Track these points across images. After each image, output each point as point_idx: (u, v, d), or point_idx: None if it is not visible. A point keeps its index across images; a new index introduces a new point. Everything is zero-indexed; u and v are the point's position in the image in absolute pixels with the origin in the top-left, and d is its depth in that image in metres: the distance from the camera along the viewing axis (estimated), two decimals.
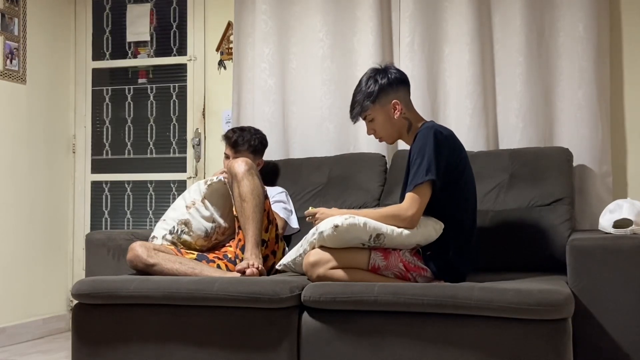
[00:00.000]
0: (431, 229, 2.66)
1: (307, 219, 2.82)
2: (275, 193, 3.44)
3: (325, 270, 2.63)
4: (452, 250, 2.70)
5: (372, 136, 3.72)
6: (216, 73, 4.35)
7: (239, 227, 3.00)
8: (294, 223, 3.41)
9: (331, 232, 2.58)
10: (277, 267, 2.93)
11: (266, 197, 3.03)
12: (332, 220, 2.60)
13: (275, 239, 3.10)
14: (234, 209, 3.03)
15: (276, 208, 3.35)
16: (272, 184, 3.61)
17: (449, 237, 2.69)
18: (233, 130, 3.54)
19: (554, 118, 3.58)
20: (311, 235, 2.70)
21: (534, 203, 3.19)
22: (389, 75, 2.82)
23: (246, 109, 4.04)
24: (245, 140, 3.48)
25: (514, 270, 3.01)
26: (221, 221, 3.13)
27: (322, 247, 2.66)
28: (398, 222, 2.62)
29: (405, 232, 2.62)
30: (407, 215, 2.61)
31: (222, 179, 3.16)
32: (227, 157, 3.48)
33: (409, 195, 2.64)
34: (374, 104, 2.80)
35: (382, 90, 2.80)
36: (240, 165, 2.96)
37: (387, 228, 2.61)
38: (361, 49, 3.83)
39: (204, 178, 4.29)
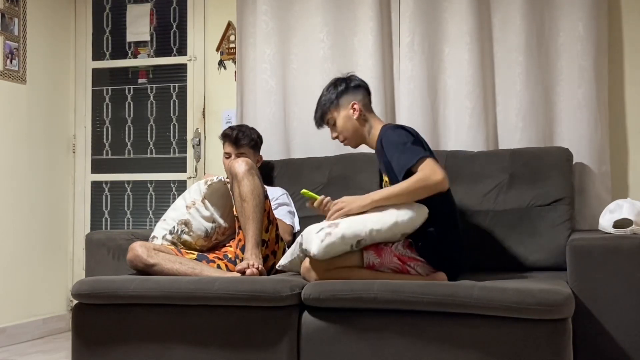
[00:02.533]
0: (414, 215, 2.62)
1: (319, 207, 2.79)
2: (277, 195, 3.44)
3: (322, 274, 2.63)
4: (440, 238, 2.71)
5: None
6: (216, 73, 4.35)
7: (239, 227, 2.99)
8: (296, 224, 3.42)
9: (316, 255, 2.58)
10: (277, 267, 2.93)
11: (266, 197, 3.03)
12: (309, 246, 2.58)
13: (276, 239, 3.09)
14: (234, 209, 3.03)
15: (281, 212, 3.34)
16: (272, 184, 3.61)
17: (434, 226, 2.69)
18: (231, 128, 3.52)
19: (553, 118, 3.58)
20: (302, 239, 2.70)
21: (534, 203, 3.19)
22: (347, 82, 3.02)
23: (247, 109, 4.04)
24: (246, 135, 3.46)
25: (514, 270, 3.02)
26: (221, 221, 3.12)
27: None
28: (428, 190, 2.60)
29: (386, 226, 2.59)
30: (436, 180, 2.60)
31: (222, 179, 3.17)
32: (228, 156, 3.45)
33: (420, 168, 2.61)
34: (334, 107, 2.98)
35: (341, 94, 2.99)
36: (241, 165, 2.96)
37: (364, 232, 2.59)
38: (361, 49, 3.83)
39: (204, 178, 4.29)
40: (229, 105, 4.25)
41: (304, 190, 2.85)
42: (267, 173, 3.63)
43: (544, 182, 3.22)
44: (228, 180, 3.08)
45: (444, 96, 3.73)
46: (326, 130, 3.84)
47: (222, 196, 3.14)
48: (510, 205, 3.22)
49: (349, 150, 3.79)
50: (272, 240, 3.07)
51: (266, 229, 3.01)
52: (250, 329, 2.57)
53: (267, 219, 3.01)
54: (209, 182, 3.15)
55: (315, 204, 2.79)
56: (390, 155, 2.72)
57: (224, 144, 3.50)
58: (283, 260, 2.86)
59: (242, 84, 4.08)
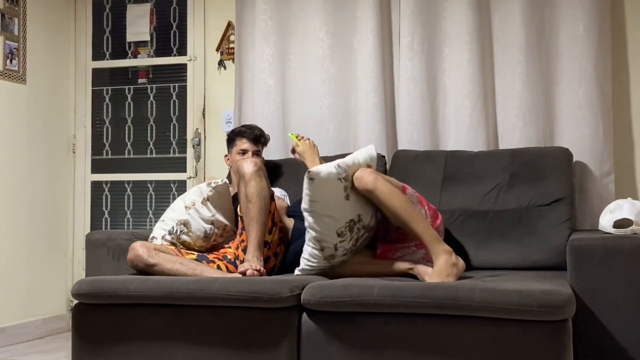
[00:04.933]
0: (364, 152, 2.97)
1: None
2: (277, 195, 3.43)
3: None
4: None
5: (373, 136, 3.76)
6: (216, 73, 4.35)
7: (243, 228, 2.99)
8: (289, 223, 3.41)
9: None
10: (297, 272, 2.91)
11: (273, 199, 3.02)
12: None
13: (279, 240, 3.09)
14: (238, 209, 3.02)
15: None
16: (272, 184, 3.60)
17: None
18: (247, 126, 3.52)
19: (554, 117, 3.58)
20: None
21: (534, 203, 3.19)
22: None
23: (246, 108, 4.04)
24: (262, 134, 3.49)
25: (514, 270, 3.02)
26: (223, 220, 3.12)
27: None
28: None
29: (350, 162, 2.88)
30: None
31: (226, 181, 3.17)
32: (244, 152, 3.42)
33: None
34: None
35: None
36: (249, 165, 2.95)
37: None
38: (361, 48, 3.83)
39: (204, 178, 4.29)
40: (229, 105, 4.24)
41: (291, 134, 3.26)
42: (267, 173, 3.63)
43: (544, 182, 3.22)
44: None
45: (444, 96, 3.73)
46: (324, 130, 3.87)
47: (222, 197, 3.15)
48: (510, 205, 3.22)
49: (348, 149, 3.80)
50: (275, 242, 3.06)
51: (270, 230, 3.00)
52: (250, 329, 2.57)
53: (272, 220, 3.01)
54: (212, 184, 3.15)
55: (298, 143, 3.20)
56: None
57: (238, 140, 3.45)
58: (303, 255, 2.86)
59: (241, 84, 4.07)
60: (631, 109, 3.57)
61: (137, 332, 2.69)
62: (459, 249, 3.18)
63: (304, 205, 2.78)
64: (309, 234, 2.80)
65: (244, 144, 3.44)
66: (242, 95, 4.06)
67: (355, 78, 3.85)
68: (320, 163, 3.15)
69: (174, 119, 4.51)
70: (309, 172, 2.76)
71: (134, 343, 2.69)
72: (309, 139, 3.25)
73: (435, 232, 2.80)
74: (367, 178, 2.79)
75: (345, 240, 2.81)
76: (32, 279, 4.35)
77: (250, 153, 3.41)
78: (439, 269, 2.68)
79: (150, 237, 3.10)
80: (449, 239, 3.19)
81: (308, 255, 2.83)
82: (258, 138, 3.46)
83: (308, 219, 2.79)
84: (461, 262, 2.75)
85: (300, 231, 3.11)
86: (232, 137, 3.50)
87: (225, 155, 3.59)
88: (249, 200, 2.90)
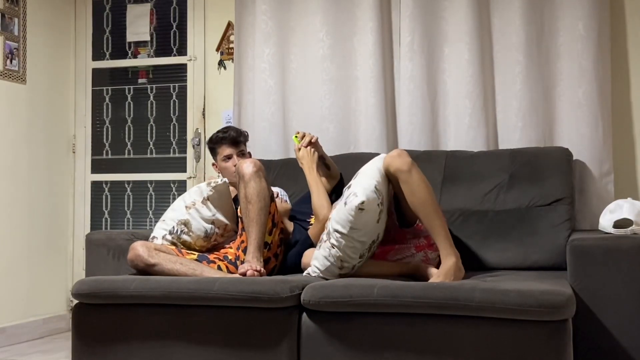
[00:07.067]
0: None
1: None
2: (280, 197, 3.42)
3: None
4: None
5: (373, 136, 3.76)
6: (216, 73, 4.35)
7: (243, 229, 2.98)
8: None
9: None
10: (304, 274, 2.89)
11: (273, 200, 3.02)
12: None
13: (279, 242, 3.08)
14: (238, 209, 3.02)
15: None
16: (272, 184, 3.60)
17: None
18: (221, 131, 3.47)
19: (553, 117, 3.58)
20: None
21: (534, 203, 3.19)
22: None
23: (246, 109, 4.04)
24: (240, 133, 3.45)
25: (514, 270, 3.02)
26: (224, 219, 3.12)
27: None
28: None
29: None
30: None
31: (226, 181, 3.17)
32: (228, 157, 3.42)
33: None
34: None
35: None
36: (249, 166, 2.94)
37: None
38: (361, 49, 3.83)
39: (204, 178, 4.29)
40: (229, 105, 4.25)
41: (295, 136, 3.23)
42: (267, 172, 3.62)
43: (544, 182, 3.22)
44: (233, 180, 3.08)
45: (444, 96, 3.73)
46: (325, 130, 3.86)
47: (222, 197, 3.15)
48: (510, 205, 3.22)
49: (348, 150, 3.81)
50: (275, 243, 3.06)
51: (270, 231, 2.99)
52: (250, 329, 2.57)
53: (272, 221, 3.00)
54: (212, 184, 3.15)
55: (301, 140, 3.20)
56: None
57: (218, 148, 3.43)
58: (314, 269, 2.81)
59: (241, 84, 4.07)
60: (631, 109, 3.58)
61: (137, 332, 2.69)
62: (458, 249, 3.18)
63: (342, 229, 2.68)
64: (333, 250, 2.72)
65: (225, 150, 3.41)
66: (242, 95, 4.06)
67: (355, 78, 3.85)
68: (326, 163, 3.19)
69: (174, 119, 4.52)
70: (362, 202, 2.63)
71: (134, 343, 2.69)
72: (310, 145, 3.20)
73: (449, 233, 2.76)
74: (405, 159, 2.72)
75: (363, 260, 2.79)
76: (32, 279, 4.35)
77: (235, 157, 3.38)
78: (446, 270, 2.67)
79: (151, 236, 3.10)
80: None
81: (324, 269, 2.77)
82: (236, 139, 3.41)
83: (339, 240, 2.69)
84: (463, 271, 2.74)
85: (300, 233, 3.11)
86: (212, 147, 3.47)
87: (213, 164, 3.56)
88: (249, 200, 2.89)
